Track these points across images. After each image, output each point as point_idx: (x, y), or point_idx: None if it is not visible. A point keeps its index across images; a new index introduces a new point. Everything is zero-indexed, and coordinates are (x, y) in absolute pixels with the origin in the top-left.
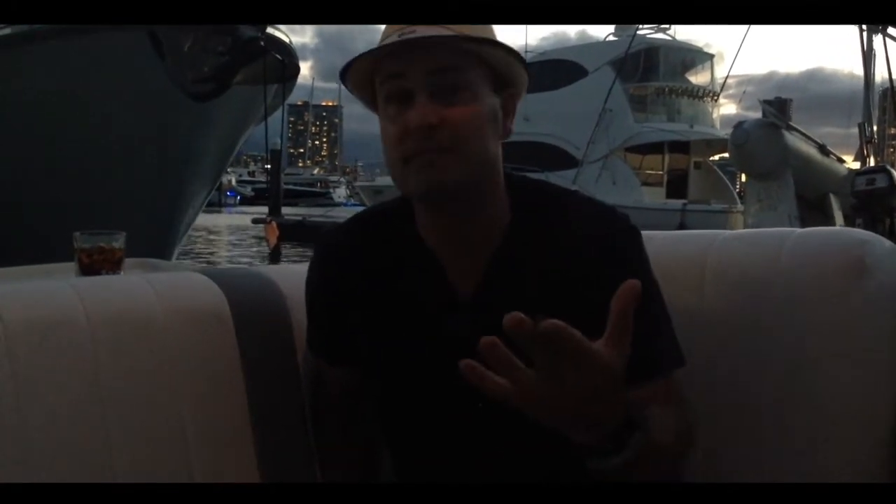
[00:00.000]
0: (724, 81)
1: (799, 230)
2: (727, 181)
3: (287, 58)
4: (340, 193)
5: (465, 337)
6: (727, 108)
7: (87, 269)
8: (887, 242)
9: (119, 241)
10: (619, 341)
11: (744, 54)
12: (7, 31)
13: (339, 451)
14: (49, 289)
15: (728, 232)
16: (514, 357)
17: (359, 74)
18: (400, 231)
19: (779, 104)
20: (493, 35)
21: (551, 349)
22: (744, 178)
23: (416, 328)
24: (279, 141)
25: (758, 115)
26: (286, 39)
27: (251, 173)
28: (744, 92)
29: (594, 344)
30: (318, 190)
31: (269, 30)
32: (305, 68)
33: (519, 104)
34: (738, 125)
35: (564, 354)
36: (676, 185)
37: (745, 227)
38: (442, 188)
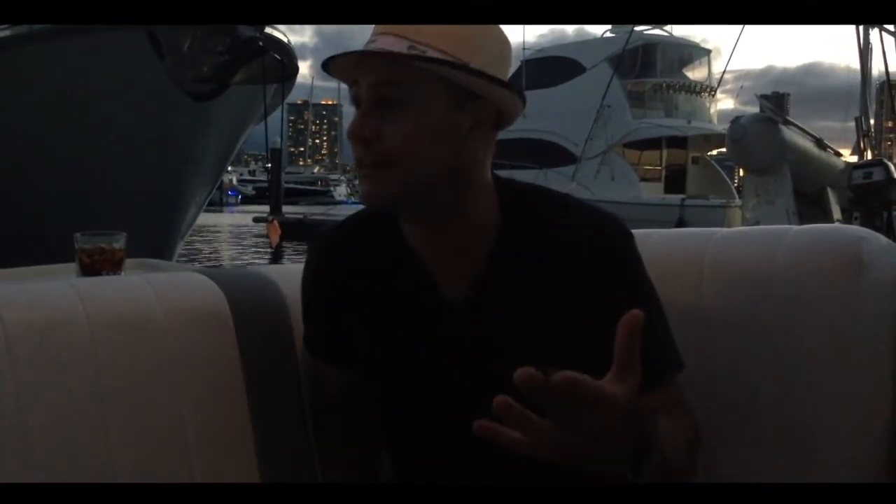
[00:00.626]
0: (722, 76)
1: (796, 228)
2: (725, 176)
3: (286, 57)
4: (341, 191)
5: (460, 338)
6: (724, 103)
7: (88, 270)
8: (884, 239)
9: (120, 242)
10: (627, 374)
11: (741, 49)
12: (7, 31)
13: (339, 451)
14: (49, 289)
15: (725, 230)
16: (528, 411)
17: (340, 73)
18: (388, 234)
19: (776, 99)
20: (475, 41)
21: (563, 399)
22: (742, 172)
23: (410, 329)
24: (279, 140)
25: (755, 109)
26: (285, 39)
27: (252, 172)
28: (741, 87)
29: (604, 384)
30: (318, 188)
31: (268, 30)
32: (305, 67)
33: (512, 113)
34: (736, 120)
35: (577, 402)
36: (674, 181)
37: (744, 221)
38: (378, 202)
